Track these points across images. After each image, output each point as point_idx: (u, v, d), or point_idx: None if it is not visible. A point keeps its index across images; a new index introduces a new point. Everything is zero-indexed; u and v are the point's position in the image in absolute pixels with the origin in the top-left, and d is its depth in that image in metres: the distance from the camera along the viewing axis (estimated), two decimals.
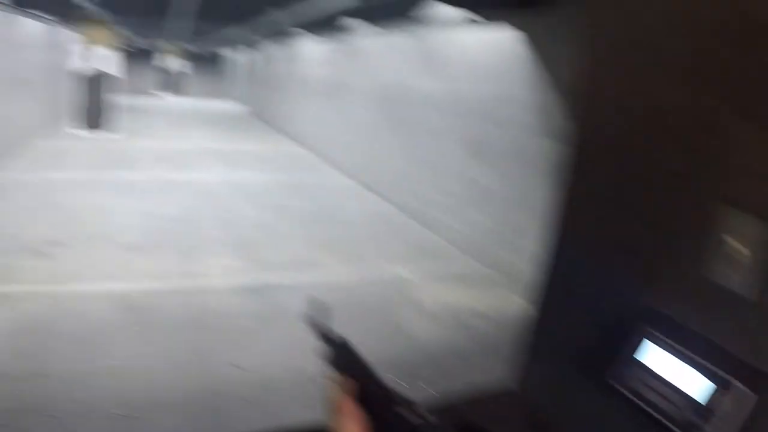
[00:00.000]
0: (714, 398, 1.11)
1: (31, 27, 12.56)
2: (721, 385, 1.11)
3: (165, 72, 18.58)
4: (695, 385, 1.15)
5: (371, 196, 10.47)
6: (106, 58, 11.41)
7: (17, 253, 6.17)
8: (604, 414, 1.39)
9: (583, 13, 1.51)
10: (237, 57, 30.15)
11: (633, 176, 1.37)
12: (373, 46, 10.92)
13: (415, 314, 5.48)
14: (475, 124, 7.32)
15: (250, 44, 20.38)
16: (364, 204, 9.86)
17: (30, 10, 11.20)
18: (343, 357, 0.97)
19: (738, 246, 1.11)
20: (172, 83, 18.56)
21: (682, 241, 1.23)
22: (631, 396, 1.25)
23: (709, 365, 1.15)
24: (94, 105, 11.39)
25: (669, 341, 1.23)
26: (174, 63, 18.80)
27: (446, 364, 4.65)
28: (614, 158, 1.44)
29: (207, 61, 30.97)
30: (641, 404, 1.23)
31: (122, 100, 18.81)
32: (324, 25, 11.87)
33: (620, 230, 1.40)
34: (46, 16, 12.68)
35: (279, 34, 14.98)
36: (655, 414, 1.20)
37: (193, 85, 30.57)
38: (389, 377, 0.90)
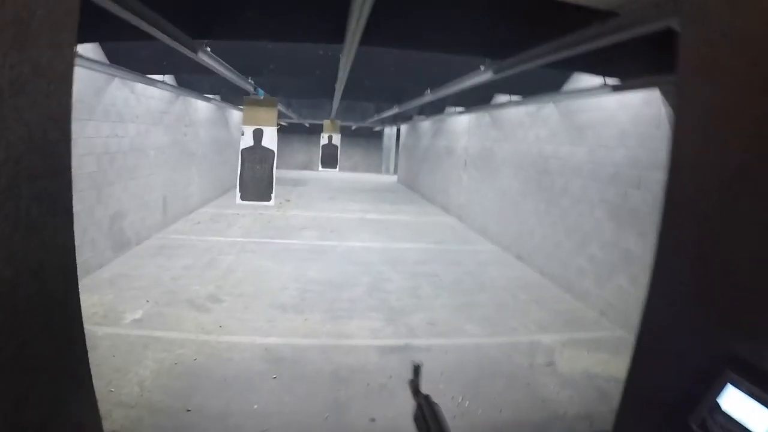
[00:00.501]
0: None
1: (201, 106, 14.17)
2: None
3: (325, 147, 19.67)
4: None
5: (516, 262, 10.47)
6: (269, 135, 12.36)
7: (181, 305, 6.94)
8: None
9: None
10: (391, 131, 31.36)
11: (718, 229, 1.44)
12: (518, 116, 11.10)
13: (551, 379, 5.41)
14: (617, 188, 7.23)
15: (404, 119, 21.23)
16: (509, 270, 9.85)
17: (200, 93, 12.58)
18: (419, 419, 1.07)
19: None
20: (331, 157, 19.57)
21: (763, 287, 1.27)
22: None
23: None
24: (256, 178, 12.34)
25: (751, 387, 1.26)
26: (334, 138, 19.85)
27: (576, 426, 4.58)
28: (700, 212, 1.52)
29: (363, 136, 32.41)
30: None
31: (283, 173, 20.15)
32: (472, 99, 12.24)
33: (708, 281, 1.47)
34: (216, 98, 14.17)
35: (430, 109, 15.54)
36: None
37: (349, 159, 32.10)
38: None
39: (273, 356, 5.58)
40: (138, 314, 6.48)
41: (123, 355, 5.31)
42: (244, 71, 8.19)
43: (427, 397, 1.07)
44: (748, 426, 1.23)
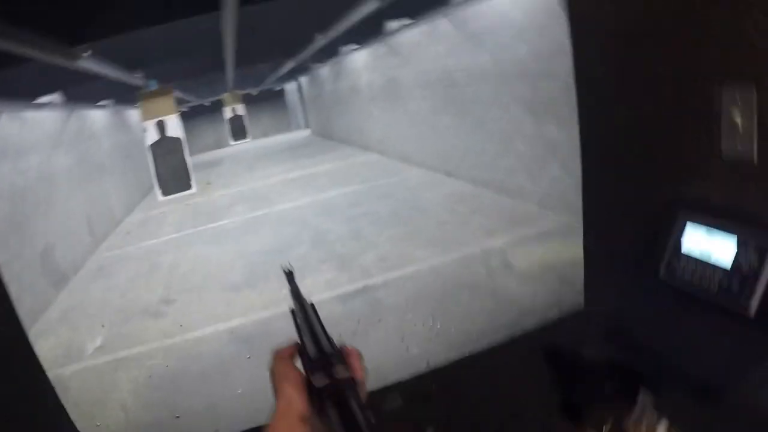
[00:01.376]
0: (753, 261, 1.17)
1: (97, 116, 13.57)
2: (757, 244, 1.16)
3: (231, 120, 19.19)
4: (736, 255, 1.21)
5: (446, 179, 10.55)
6: (172, 124, 12.04)
7: (136, 318, 6.73)
8: (663, 306, 1.47)
9: None
10: (292, 87, 30.84)
11: (640, 81, 1.44)
12: (414, 38, 11.00)
13: (512, 279, 5.56)
14: (526, 83, 7.30)
15: (302, 72, 20.90)
16: (442, 189, 9.96)
17: (92, 103, 12.05)
18: (294, 320, 1.02)
19: (741, 115, 1.17)
20: (239, 129, 19.13)
21: (697, 126, 1.29)
22: (681, 280, 1.32)
23: (744, 232, 1.20)
24: (171, 169, 12.07)
25: (708, 220, 1.29)
26: (238, 109, 19.37)
27: (547, 314, 4.74)
28: (617, 68, 1.52)
29: (266, 100, 31.81)
30: (691, 287, 1.30)
31: (197, 157, 19.64)
32: (364, 33, 12.03)
33: (641, 136, 1.48)
34: (109, 103, 13.59)
35: (325, 54, 15.30)
36: (704, 291, 1.26)
37: (258, 125, 31.56)
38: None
39: (240, 337, 5.54)
40: (98, 341, 6.26)
41: (97, 386, 5.17)
42: (130, 67, 7.82)
43: (300, 299, 1.04)
44: (713, 260, 1.25)
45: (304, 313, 1.02)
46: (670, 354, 1.49)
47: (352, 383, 0.81)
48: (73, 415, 4.30)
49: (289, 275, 1.11)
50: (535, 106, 7.24)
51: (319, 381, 0.81)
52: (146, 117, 11.62)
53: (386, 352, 4.59)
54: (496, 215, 7.71)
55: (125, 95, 12.78)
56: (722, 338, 1.32)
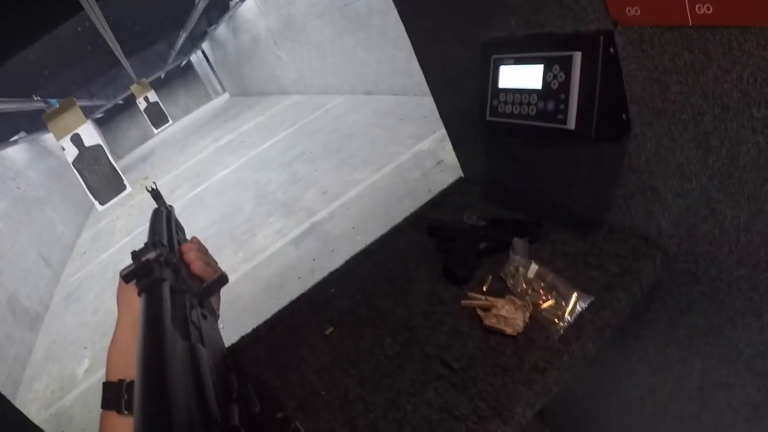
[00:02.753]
0: (558, 75, 1.22)
1: (15, 153, 13.19)
2: (560, 61, 1.21)
3: (147, 109, 18.60)
4: (544, 76, 1.26)
5: (368, 98, 10.53)
6: (87, 134, 11.69)
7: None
8: (504, 148, 1.55)
9: None
10: (198, 57, 30.02)
11: None
12: None
13: (446, 174, 5.63)
14: None
15: (203, 38, 20.28)
16: (365, 108, 9.94)
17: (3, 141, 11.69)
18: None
19: None
20: (158, 115, 18.57)
21: None
22: (505, 115, 1.38)
23: (548, 52, 1.25)
24: (102, 177, 11.84)
25: (514, 55, 1.34)
26: (151, 97, 18.77)
27: None
28: None
29: (177, 77, 30.96)
30: (516, 119, 1.35)
31: (128, 159, 19.08)
32: None
33: None
34: (21, 135, 13.16)
35: (216, 14, 14.90)
36: (527, 119, 1.31)
37: (178, 105, 30.85)
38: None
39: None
40: (86, 364, 6.32)
41: (96, 404, 5.16)
42: (24, 94, 7.57)
43: (158, 213, 1.04)
44: (528, 88, 1.30)
45: (154, 223, 0.99)
46: (532, 195, 1.57)
47: (159, 268, 0.77)
48: None
49: (152, 192, 1.15)
50: None
51: (124, 270, 0.78)
52: (59, 135, 11.25)
53: None
54: (422, 119, 7.72)
55: (34, 122, 12.42)
56: (560, 161, 1.40)
